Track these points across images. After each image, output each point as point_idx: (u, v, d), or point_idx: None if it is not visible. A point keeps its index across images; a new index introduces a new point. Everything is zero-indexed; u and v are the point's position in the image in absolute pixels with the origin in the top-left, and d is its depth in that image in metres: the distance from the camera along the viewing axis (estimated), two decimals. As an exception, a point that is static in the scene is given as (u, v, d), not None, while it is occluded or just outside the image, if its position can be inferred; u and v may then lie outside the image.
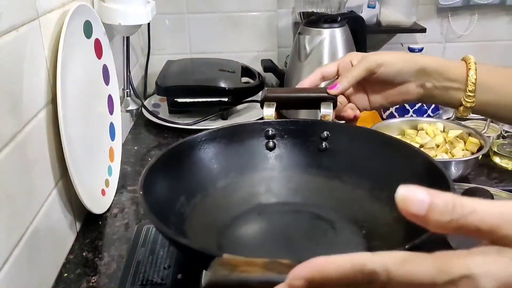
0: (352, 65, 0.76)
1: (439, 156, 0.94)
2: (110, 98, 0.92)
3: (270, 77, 1.38)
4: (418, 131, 1.04)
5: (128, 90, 1.09)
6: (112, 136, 0.92)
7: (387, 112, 1.21)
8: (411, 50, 1.20)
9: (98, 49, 0.86)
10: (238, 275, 0.38)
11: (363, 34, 1.24)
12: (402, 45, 1.49)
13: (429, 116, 1.18)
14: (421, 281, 0.30)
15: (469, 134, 0.98)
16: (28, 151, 0.63)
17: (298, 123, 0.76)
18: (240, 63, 1.33)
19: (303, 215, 0.69)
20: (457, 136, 0.99)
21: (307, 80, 0.77)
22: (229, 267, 0.39)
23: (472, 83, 0.72)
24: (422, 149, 0.96)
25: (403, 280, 0.30)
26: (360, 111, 0.79)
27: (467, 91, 0.73)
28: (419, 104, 1.16)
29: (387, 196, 0.67)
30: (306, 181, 0.73)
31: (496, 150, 0.99)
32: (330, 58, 1.12)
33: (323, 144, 0.74)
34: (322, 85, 0.78)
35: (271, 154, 0.75)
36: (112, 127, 0.92)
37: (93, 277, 0.70)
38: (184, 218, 0.63)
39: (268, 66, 1.31)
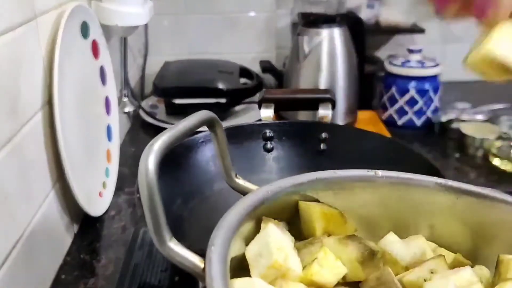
0: None
1: None
2: (107, 99, 0.91)
3: (268, 78, 1.38)
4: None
5: (125, 91, 1.09)
6: (109, 137, 0.92)
7: (386, 114, 1.20)
8: (411, 51, 1.20)
9: (95, 50, 0.85)
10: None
11: (362, 35, 1.24)
12: (401, 46, 1.49)
13: (427, 118, 1.18)
14: None
15: None
16: (25, 153, 0.62)
17: (296, 125, 0.76)
18: (238, 64, 1.33)
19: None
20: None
21: None
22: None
23: None
24: None
25: None
26: None
27: None
28: (419, 105, 1.16)
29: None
30: (305, 183, 0.73)
31: (495, 152, 0.99)
32: (329, 59, 1.12)
33: (321, 145, 0.74)
34: (322, 86, 0.78)
35: (269, 156, 0.74)
36: (109, 128, 0.92)
37: (91, 279, 0.70)
38: (181, 221, 0.62)
39: (267, 67, 1.30)
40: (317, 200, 0.43)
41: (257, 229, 0.39)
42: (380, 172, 0.44)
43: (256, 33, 1.43)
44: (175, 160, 0.67)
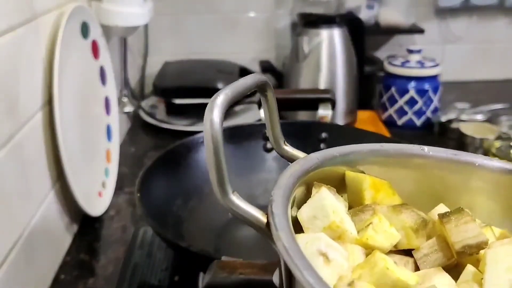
0: None
1: None
2: (107, 99, 0.91)
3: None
4: None
5: (125, 92, 1.09)
6: (109, 137, 0.92)
7: (386, 114, 1.20)
8: (410, 51, 1.20)
9: (95, 50, 0.85)
10: (237, 277, 0.39)
11: (362, 35, 1.24)
12: (401, 46, 1.49)
13: (427, 118, 1.18)
14: None
15: None
16: (25, 153, 0.62)
17: (296, 125, 0.76)
18: (238, 64, 1.33)
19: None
20: None
21: None
22: (228, 269, 0.39)
23: None
24: None
25: None
26: None
27: None
28: (419, 105, 1.16)
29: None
30: (304, 183, 0.73)
31: (494, 152, 0.99)
32: (329, 59, 1.12)
33: (321, 145, 0.74)
34: (321, 86, 0.78)
35: (268, 156, 0.75)
36: (109, 128, 0.92)
37: (90, 279, 0.70)
38: (181, 220, 0.62)
39: (266, 67, 1.30)
40: (362, 172, 0.43)
41: (306, 195, 0.39)
42: (426, 148, 0.44)
43: (255, 33, 1.43)
44: (175, 160, 0.67)
